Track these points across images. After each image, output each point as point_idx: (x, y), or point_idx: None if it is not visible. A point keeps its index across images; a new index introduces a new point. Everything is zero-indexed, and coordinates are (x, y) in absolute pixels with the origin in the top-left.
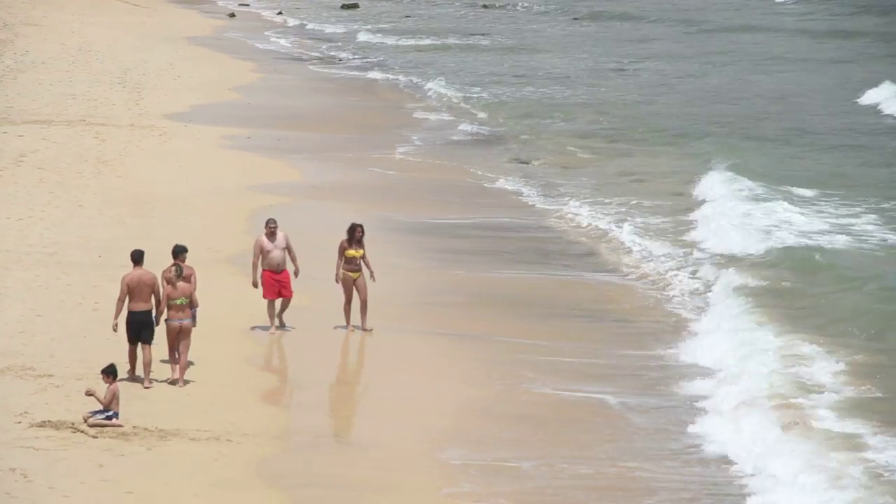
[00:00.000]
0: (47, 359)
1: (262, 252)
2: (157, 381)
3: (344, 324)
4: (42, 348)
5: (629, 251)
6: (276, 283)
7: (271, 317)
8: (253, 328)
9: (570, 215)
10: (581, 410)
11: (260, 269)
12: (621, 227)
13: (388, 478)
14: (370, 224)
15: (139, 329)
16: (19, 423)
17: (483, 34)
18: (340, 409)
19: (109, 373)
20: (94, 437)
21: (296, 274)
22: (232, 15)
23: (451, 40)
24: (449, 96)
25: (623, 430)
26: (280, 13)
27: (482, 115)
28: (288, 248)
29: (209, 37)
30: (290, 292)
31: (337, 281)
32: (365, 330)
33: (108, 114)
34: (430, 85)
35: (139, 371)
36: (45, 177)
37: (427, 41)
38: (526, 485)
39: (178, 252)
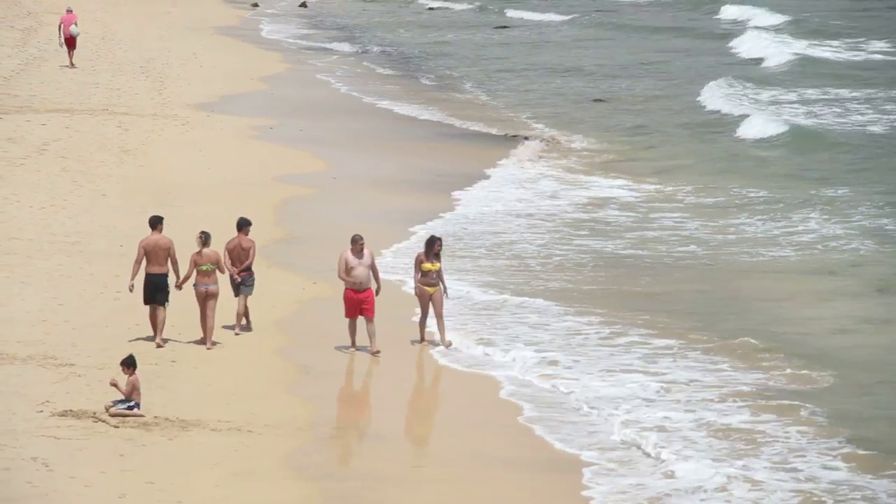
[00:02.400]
0: (69, 348)
1: (346, 268)
2: (180, 342)
3: (418, 338)
4: (64, 337)
5: None
6: (357, 303)
7: (351, 335)
8: (338, 347)
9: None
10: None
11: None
12: None
13: (412, 471)
14: (395, 215)
15: (154, 291)
16: (41, 412)
17: (504, 27)
18: (366, 402)
19: (129, 364)
20: (116, 426)
21: (377, 292)
22: (255, 5)
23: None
24: (471, 89)
25: None
26: (304, 4)
27: (502, 108)
28: (372, 266)
29: (234, 27)
30: (373, 312)
31: (416, 294)
32: (445, 345)
33: (131, 103)
34: (458, 79)
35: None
36: (68, 165)
37: (451, 35)
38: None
39: (243, 225)
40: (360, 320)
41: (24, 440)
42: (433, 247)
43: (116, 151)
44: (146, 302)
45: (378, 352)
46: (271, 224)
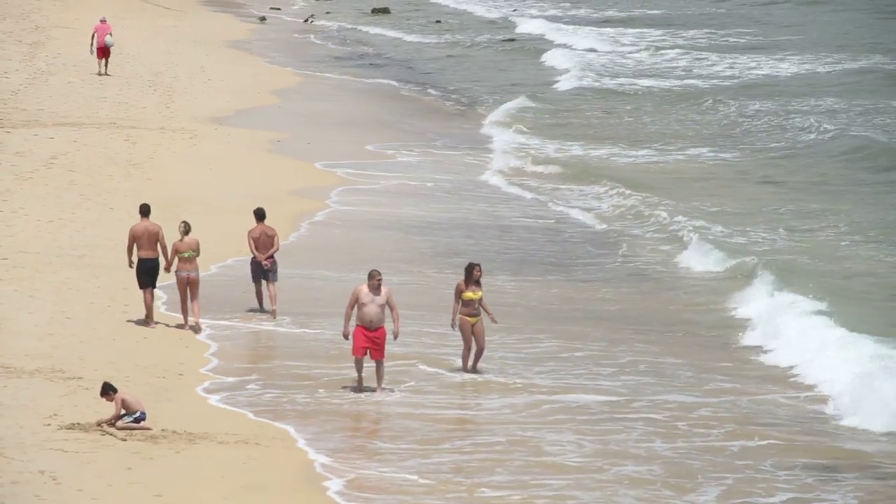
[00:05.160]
0: (76, 361)
1: (357, 303)
2: (167, 325)
3: (461, 367)
4: (71, 351)
5: None
6: (367, 341)
7: (359, 372)
8: (344, 387)
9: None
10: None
11: (353, 322)
12: None
13: (420, 484)
14: (407, 225)
15: (149, 274)
16: (48, 425)
17: (511, 39)
18: (368, 416)
19: (106, 391)
20: (123, 439)
21: (395, 336)
22: (263, 19)
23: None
24: (478, 104)
25: None
26: (311, 17)
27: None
28: (389, 306)
29: (242, 40)
30: (382, 353)
31: (453, 326)
32: (476, 371)
33: (139, 116)
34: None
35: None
36: (76, 179)
37: (459, 49)
38: None
39: (263, 214)
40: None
41: (32, 453)
42: (472, 273)
43: (124, 165)
44: (141, 286)
45: (384, 389)
46: (284, 237)
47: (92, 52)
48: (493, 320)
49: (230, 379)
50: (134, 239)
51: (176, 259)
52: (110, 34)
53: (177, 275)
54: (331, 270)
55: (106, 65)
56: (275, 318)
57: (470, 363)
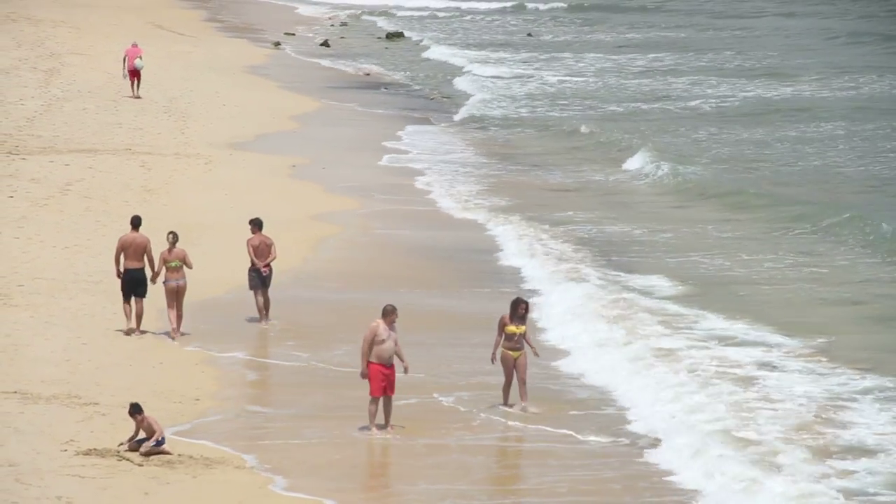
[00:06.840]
0: (93, 387)
1: (374, 340)
2: (153, 333)
3: (502, 402)
4: (88, 376)
5: None
6: (384, 379)
7: (372, 415)
8: (361, 428)
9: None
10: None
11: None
12: None
13: None
14: (415, 251)
15: (134, 285)
16: (65, 451)
17: (529, 63)
18: (385, 447)
19: (136, 411)
20: (140, 464)
21: (405, 371)
22: (277, 44)
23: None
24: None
25: None
26: (325, 42)
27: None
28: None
29: (258, 66)
30: (394, 389)
31: (493, 360)
32: (525, 410)
33: (154, 142)
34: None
35: (133, 324)
36: (91, 206)
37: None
38: None
39: (260, 224)
40: None
41: (49, 479)
42: (518, 309)
43: (139, 191)
44: (127, 295)
45: (393, 427)
46: (303, 261)
47: (124, 75)
48: (535, 353)
49: (247, 405)
50: (121, 248)
51: (164, 269)
52: (140, 57)
53: (165, 284)
54: (352, 294)
55: (137, 87)
56: (266, 324)
57: (511, 399)
